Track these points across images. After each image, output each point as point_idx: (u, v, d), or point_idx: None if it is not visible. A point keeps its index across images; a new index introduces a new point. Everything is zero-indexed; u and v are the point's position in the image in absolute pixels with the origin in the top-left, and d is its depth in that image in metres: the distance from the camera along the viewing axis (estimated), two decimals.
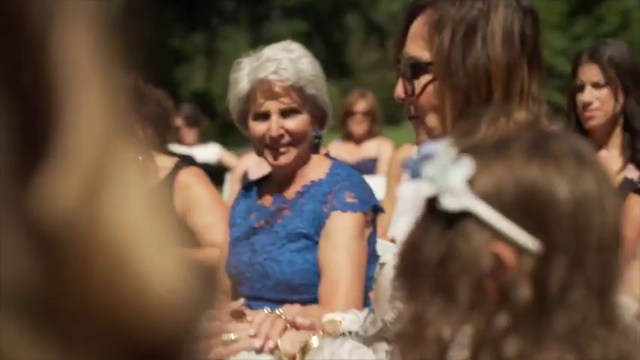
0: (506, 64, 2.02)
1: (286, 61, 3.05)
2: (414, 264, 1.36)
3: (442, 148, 1.34)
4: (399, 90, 2.13)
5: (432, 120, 2.08)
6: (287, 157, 3.10)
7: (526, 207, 1.30)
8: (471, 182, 1.31)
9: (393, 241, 4.11)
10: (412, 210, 4.01)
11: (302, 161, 3.14)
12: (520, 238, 1.29)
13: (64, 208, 0.49)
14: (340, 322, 2.40)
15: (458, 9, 2.04)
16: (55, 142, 0.49)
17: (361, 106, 7.55)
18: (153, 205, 0.54)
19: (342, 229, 2.98)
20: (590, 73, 3.92)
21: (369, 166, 6.97)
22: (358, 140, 7.54)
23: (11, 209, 0.48)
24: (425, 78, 2.08)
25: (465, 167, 1.31)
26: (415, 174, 1.36)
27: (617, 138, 3.95)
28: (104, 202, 0.50)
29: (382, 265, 2.16)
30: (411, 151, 5.09)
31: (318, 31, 30.14)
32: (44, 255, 0.49)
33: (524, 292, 1.29)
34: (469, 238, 1.30)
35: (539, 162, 1.31)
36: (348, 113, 7.42)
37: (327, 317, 2.49)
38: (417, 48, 2.10)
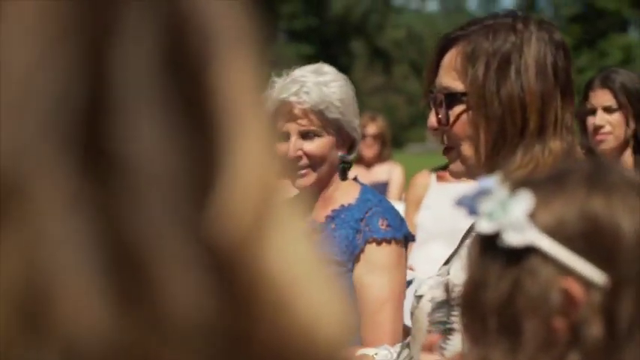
0: (540, 94, 2.07)
1: (311, 83, 3.05)
2: (477, 304, 1.33)
3: (496, 183, 1.32)
4: (433, 120, 2.18)
5: (466, 149, 2.13)
6: (306, 179, 3.09)
7: (591, 240, 1.28)
8: (532, 216, 1.28)
9: (411, 269, 4.16)
10: (440, 240, 3.84)
11: (324, 184, 3.12)
12: (587, 272, 1.26)
13: (235, 240, 0.48)
14: (373, 356, 2.42)
15: (491, 42, 2.10)
16: (222, 176, 0.48)
17: (372, 129, 7.58)
18: (310, 243, 0.53)
19: (380, 265, 2.99)
20: (603, 97, 4.00)
21: (380, 190, 7.03)
22: (369, 164, 7.59)
23: (190, 240, 0.47)
24: (459, 108, 2.13)
25: (525, 201, 1.28)
26: (472, 211, 1.32)
27: (628, 159, 4.01)
28: (270, 238, 0.50)
29: (419, 297, 2.17)
30: (428, 177, 5.12)
31: (324, 55, 30.30)
32: (220, 290, 0.47)
33: (595, 329, 1.25)
34: (536, 274, 1.26)
35: (601, 194, 1.29)
36: None
37: (360, 351, 2.50)
38: (450, 79, 2.16)
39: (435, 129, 2.19)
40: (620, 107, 3.98)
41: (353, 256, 3.00)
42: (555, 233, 1.27)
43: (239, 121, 0.50)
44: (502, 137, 2.08)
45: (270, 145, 0.52)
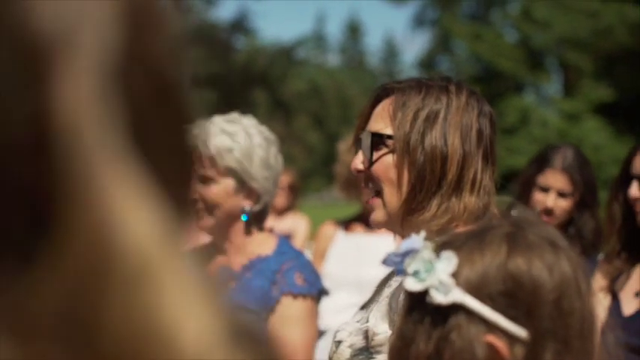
0: (462, 153, 2.15)
1: (217, 129, 3.11)
2: (407, 356, 1.39)
3: (421, 243, 1.40)
4: (357, 161, 2.26)
5: (387, 193, 2.20)
6: (203, 222, 3.11)
7: (511, 296, 1.35)
8: (456, 275, 1.36)
9: None
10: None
11: (224, 231, 3.15)
12: (510, 328, 1.34)
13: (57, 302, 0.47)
14: None
15: (423, 97, 2.19)
16: (55, 225, 0.47)
17: (284, 180, 7.58)
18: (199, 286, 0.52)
19: (294, 318, 3.01)
20: (561, 182, 4.06)
21: None
22: (280, 212, 7.56)
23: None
24: (384, 150, 2.21)
25: (449, 261, 1.37)
26: (399, 271, 1.40)
27: None
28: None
29: (338, 343, 2.21)
30: (333, 228, 5.12)
31: (225, 103, 30.23)
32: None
33: None
34: (462, 331, 1.34)
35: (520, 253, 1.37)
36: None
37: None
38: (380, 123, 2.24)
39: (360, 171, 2.26)
40: (573, 194, 4.03)
41: (268, 306, 3.01)
42: (478, 291, 1.34)
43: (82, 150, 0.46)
44: (420, 183, 2.15)
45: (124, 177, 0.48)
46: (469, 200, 2.14)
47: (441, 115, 2.17)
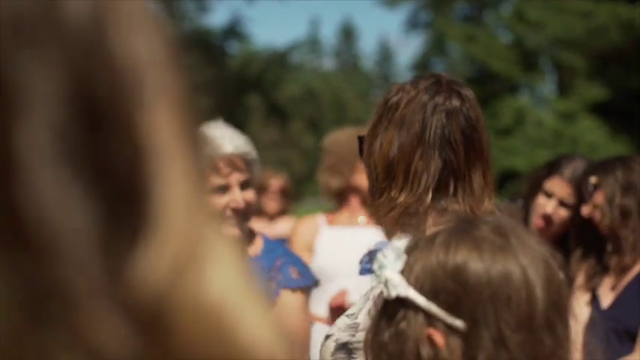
0: (398, 146, 2.18)
1: (236, 137, 3.16)
2: (372, 345, 1.52)
3: (390, 245, 1.51)
4: None
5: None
6: (238, 229, 3.16)
7: (446, 289, 1.44)
8: (409, 272, 1.48)
9: None
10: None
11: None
12: (447, 320, 1.43)
13: (158, 283, 0.51)
14: None
15: (385, 97, 2.26)
16: (145, 219, 0.51)
17: (277, 183, 7.60)
18: (242, 274, 0.56)
19: (293, 308, 3.09)
20: (565, 191, 4.07)
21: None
22: (272, 217, 7.58)
23: (105, 287, 0.49)
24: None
25: (398, 260, 1.49)
26: (363, 269, 1.56)
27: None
28: (197, 274, 0.52)
29: (327, 337, 2.26)
30: (314, 221, 5.13)
31: (221, 109, 30.22)
32: (141, 331, 0.50)
33: None
34: (410, 322, 1.46)
35: (457, 248, 1.46)
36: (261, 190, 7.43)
37: None
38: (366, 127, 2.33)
39: None
40: (574, 206, 4.03)
41: (269, 302, 3.05)
42: (423, 286, 1.45)
43: (165, 168, 0.52)
44: (370, 182, 2.24)
45: (198, 188, 0.54)
46: (398, 195, 2.16)
47: (391, 112, 2.22)
